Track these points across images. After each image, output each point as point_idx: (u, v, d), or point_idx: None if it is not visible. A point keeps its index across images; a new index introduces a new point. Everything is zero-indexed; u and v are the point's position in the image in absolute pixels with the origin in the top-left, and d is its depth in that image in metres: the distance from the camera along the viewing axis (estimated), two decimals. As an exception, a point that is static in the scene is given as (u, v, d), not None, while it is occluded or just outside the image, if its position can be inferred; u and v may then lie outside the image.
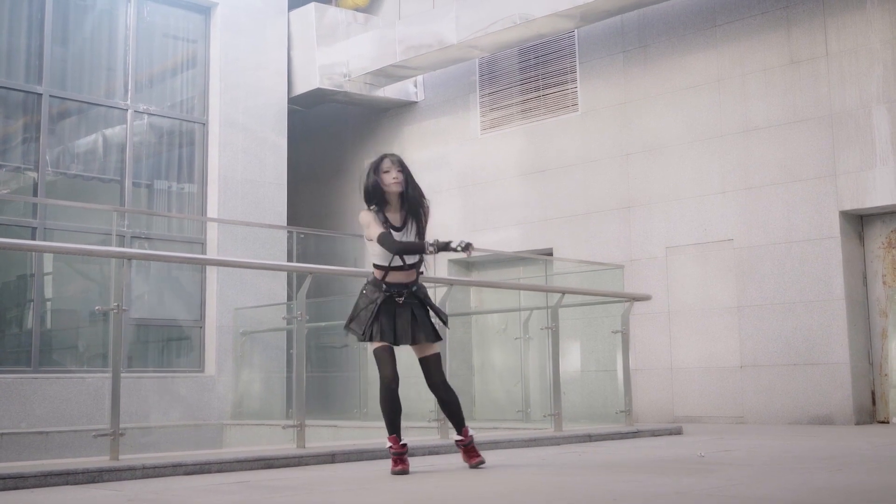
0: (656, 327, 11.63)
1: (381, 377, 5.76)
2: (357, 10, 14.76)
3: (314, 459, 6.40)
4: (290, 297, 12.78)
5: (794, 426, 10.14)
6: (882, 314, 10.46)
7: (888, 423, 10.27)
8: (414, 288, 5.83)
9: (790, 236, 10.69)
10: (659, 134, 11.92)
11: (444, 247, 5.70)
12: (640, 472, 5.62)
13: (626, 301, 9.58)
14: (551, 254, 12.68)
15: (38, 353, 11.25)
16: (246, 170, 13.17)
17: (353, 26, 14.32)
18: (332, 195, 15.58)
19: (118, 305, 6.16)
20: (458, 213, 13.69)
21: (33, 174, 11.66)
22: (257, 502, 4.59)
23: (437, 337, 5.86)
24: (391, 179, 5.73)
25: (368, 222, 5.74)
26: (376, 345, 5.75)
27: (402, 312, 5.76)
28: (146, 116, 12.67)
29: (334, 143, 15.81)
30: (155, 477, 5.63)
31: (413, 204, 5.81)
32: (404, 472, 5.60)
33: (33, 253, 11.28)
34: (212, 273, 12.64)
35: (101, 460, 5.87)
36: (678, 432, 9.27)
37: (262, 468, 6.10)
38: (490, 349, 13.23)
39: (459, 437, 5.92)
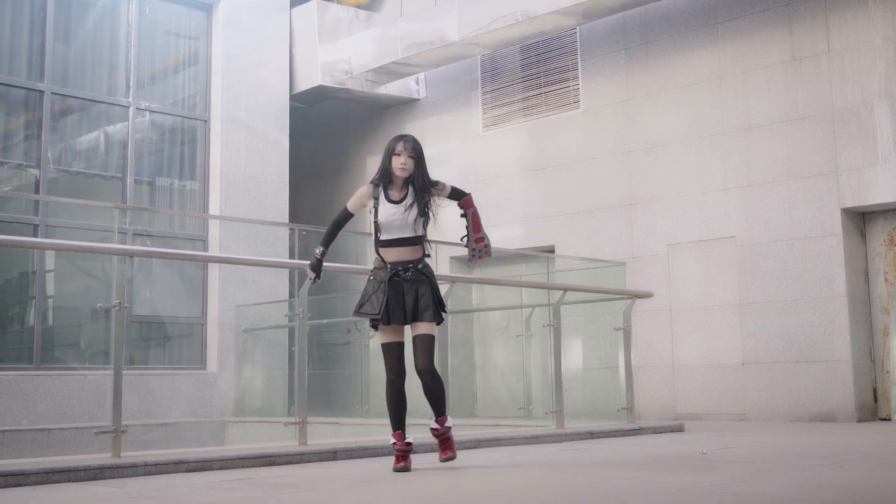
0: (658, 324, 11.63)
1: (386, 371, 5.71)
2: (359, 7, 14.75)
3: (316, 456, 6.40)
4: (291, 295, 12.78)
5: (796, 423, 10.14)
6: (884, 311, 10.46)
7: (890, 420, 10.27)
8: (420, 266, 5.74)
9: (792, 233, 10.69)
10: (661, 131, 11.91)
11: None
12: (642, 470, 5.62)
13: (627, 298, 9.58)
14: (553, 251, 12.68)
15: (40, 351, 11.26)
16: (248, 167, 13.17)
17: (355, 23, 14.31)
18: (334, 192, 15.57)
19: (120, 302, 6.16)
20: (459, 211, 13.65)
21: (35, 171, 11.66)
22: (259, 499, 4.59)
23: (439, 318, 5.72)
24: (398, 164, 5.75)
25: (354, 195, 5.86)
26: (385, 339, 5.71)
27: (409, 290, 5.67)
28: (148, 113, 12.67)
29: (336, 140, 15.81)
30: (157, 474, 5.63)
31: (420, 189, 5.77)
32: (406, 469, 5.57)
33: (35, 250, 11.29)
34: (214, 270, 12.65)
35: (102, 457, 5.87)
36: (680, 429, 9.27)
37: (264, 465, 6.10)
38: (492, 346, 13.24)
39: (435, 427, 5.75)
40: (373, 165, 15.08)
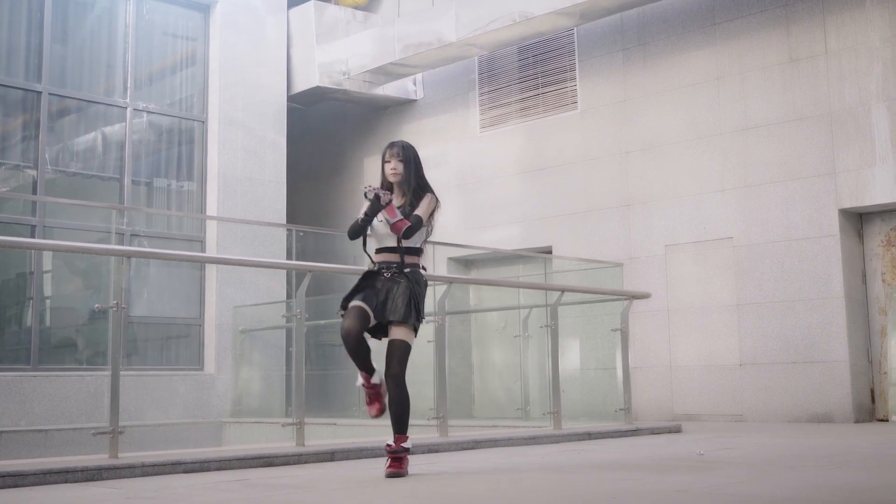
0: (655, 325, 11.63)
1: (341, 332, 5.46)
2: (356, 7, 14.75)
3: (313, 457, 6.40)
4: (289, 296, 12.78)
5: (794, 424, 10.15)
6: (881, 312, 10.47)
7: (887, 420, 10.27)
8: (406, 269, 5.58)
9: (789, 234, 10.69)
10: (658, 132, 11.91)
11: (374, 207, 5.51)
12: (639, 471, 5.62)
13: (625, 299, 9.58)
14: (551, 252, 12.68)
15: (38, 351, 11.25)
16: (245, 168, 13.17)
17: (353, 24, 14.31)
18: (332, 193, 15.58)
19: (117, 303, 6.16)
20: (457, 212, 13.69)
21: (33, 172, 11.66)
22: (257, 500, 4.59)
23: (408, 320, 5.45)
24: (389, 170, 5.70)
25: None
26: (353, 305, 5.50)
27: (385, 288, 5.51)
28: (145, 114, 12.67)
29: (333, 141, 15.81)
30: (154, 475, 5.63)
31: (413, 193, 5.67)
32: (381, 411, 5.53)
33: (32, 251, 11.28)
34: (211, 271, 12.65)
35: (100, 458, 5.86)
36: (677, 430, 9.28)
37: (261, 466, 6.10)
38: (489, 347, 13.24)
39: (390, 444, 5.45)
40: (370, 166, 15.09)
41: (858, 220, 10.65)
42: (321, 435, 9.83)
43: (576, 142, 12.70)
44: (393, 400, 5.51)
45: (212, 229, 12.74)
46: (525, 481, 5.16)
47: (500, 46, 13.02)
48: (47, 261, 11.63)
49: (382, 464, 5.53)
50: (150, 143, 12.74)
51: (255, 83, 13.48)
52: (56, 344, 11.78)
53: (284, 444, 7.05)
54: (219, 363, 12.49)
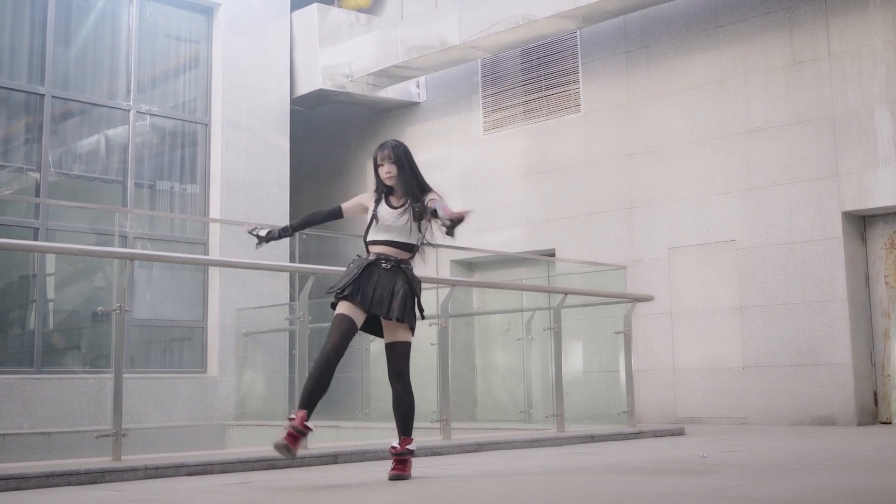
0: (659, 328, 11.62)
1: (325, 342, 5.26)
2: (359, 10, 14.76)
3: (317, 460, 6.39)
4: (292, 298, 12.78)
5: (797, 427, 10.14)
6: (885, 315, 10.46)
7: (890, 423, 10.26)
8: (403, 266, 5.48)
9: (792, 237, 10.69)
10: (661, 135, 11.91)
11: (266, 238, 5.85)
12: (642, 473, 5.61)
13: (628, 302, 9.58)
14: (554, 254, 12.68)
15: (41, 354, 11.26)
16: (248, 170, 13.17)
17: (356, 27, 14.32)
18: (335, 196, 15.57)
19: (120, 306, 6.16)
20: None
21: (36, 175, 11.67)
22: (260, 503, 4.59)
23: (412, 318, 5.42)
24: (384, 174, 5.57)
25: (354, 198, 5.84)
26: (341, 310, 5.33)
27: (384, 281, 5.39)
28: (148, 117, 12.68)
29: (337, 143, 15.82)
30: (157, 478, 5.63)
31: (411, 195, 5.55)
32: (289, 452, 5.04)
33: (35, 254, 11.29)
34: (214, 274, 12.65)
35: (103, 461, 5.87)
36: (680, 433, 9.27)
37: (264, 469, 6.10)
38: (492, 350, 13.23)
39: (395, 445, 5.43)
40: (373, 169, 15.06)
41: (861, 223, 10.64)
42: (324, 438, 9.82)
43: (579, 144, 12.69)
44: (400, 400, 5.44)
45: (215, 232, 12.75)
46: (528, 484, 5.15)
47: (503, 49, 13.03)
48: (50, 264, 11.63)
49: (386, 466, 5.53)
50: (153, 146, 12.75)
51: (259, 86, 13.49)
52: (59, 347, 11.79)
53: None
54: (222, 366, 12.49)
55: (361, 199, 5.77)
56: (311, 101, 14.37)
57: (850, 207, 10.36)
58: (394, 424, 5.51)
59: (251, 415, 12.43)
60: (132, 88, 12.53)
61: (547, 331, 9.33)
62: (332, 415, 11.99)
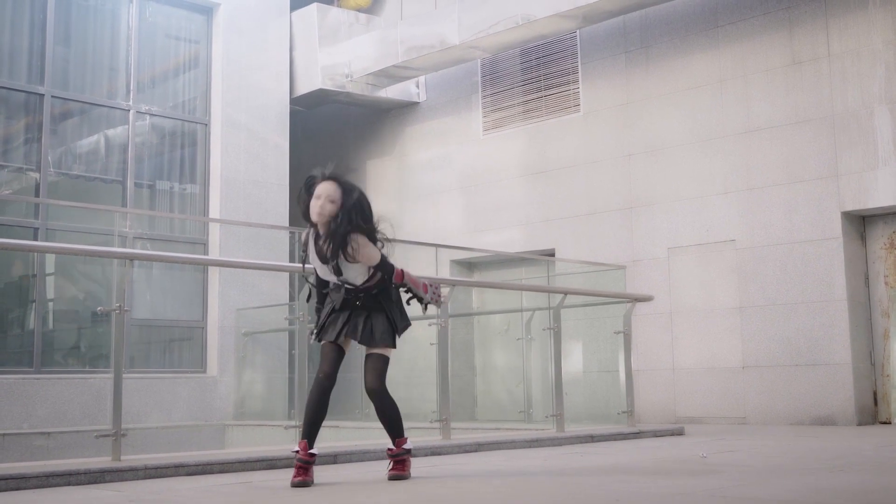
0: (658, 328, 11.63)
1: (317, 373, 5.33)
2: (359, 10, 14.76)
3: (316, 460, 6.37)
4: (292, 298, 12.78)
5: (796, 427, 10.14)
6: (884, 315, 10.46)
7: (890, 423, 10.26)
8: (375, 291, 5.30)
9: (792, 237, 10.69)
10: (661, 135, 11.91)
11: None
12: (642, 473, 5.62)
13: (628, 302, 9.58)
14: (553, 254, 12.68)
15: (41, 354, 11.26)
16: (248, 170, 13.17)
17: (355, 27, 14.32)
18: (334, 196, 15.55)
19: (120, 306, 6.16)
20: (460, 214, 13.69)
21: (35, 175, 11.67)
22: (259, 503, 4.59)
23: (384, 343, 5.30)
24: (315, 209, 5.14)
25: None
26: (325, 342, 5.33)
27: (356, 312, 5.27)
28: (148, 117, 12.67)
29: (336, 143, 15.82)
30: (157, 477, 5.63)
31: (332, 233, 5.14)
32: (305, 484, 5.09)
33: (35, 254, 11.28)
34: (214, 274, 12.65)
35: (103, 461, 5.86)
36: (680, 433, 9.27)
37: (264, 469, 6.10)
38: (492, 350, 13.24)
39: (391, 448, 5.42)
40: (373, 169, 15.09)
41: (861, 223, 10.64)
42: (324, 437, 9.81)
43: (578, 144, 12.69)
44: (381, 411, 5.46)
45: (214, 232, 12.75)
46: (527, 484, 5.15)
47: (502, 49, 13.03)
48: (50, 264, 11.63)
49: (385, 466, 5.53)
50: (152, 146, 12.75)
51: (258, 86, 13.49)
52: (59, 347, 11.79)
53: (287, 446, 7.04)
54: (221, 366, 12.49)
55: (303, 243, 5.42)
56: (310, 100, 14.37)
57: (850, 207, 10.36)
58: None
59: (251, 415, 12.43)
60: (132, 88, 12.53)
61: (546, 331, 9.34)
62: (332, 415, 11.88)
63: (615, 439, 8.53)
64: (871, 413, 10.29)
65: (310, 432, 5.29)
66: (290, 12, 14.06)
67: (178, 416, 11.93)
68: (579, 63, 12.84)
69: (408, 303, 5.49)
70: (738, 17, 11.37)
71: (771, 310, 10.76)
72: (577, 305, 10.55)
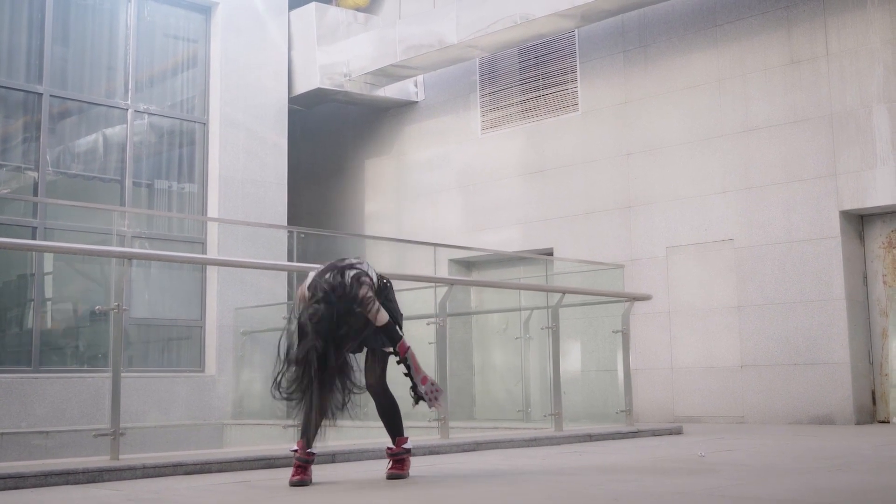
0: (657, 327, 11.63)
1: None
2: (357, 9, 14.76)
3: (315, 459, 6.38)
4: (290, 297, 12.77)
5: (795, 426, 10.14)
6: (882, 314, 10.46)
7: (888, 422, 10.27)
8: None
9: (790, 236, 10.70)
10: (659, 134, 11.92)
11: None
12: (640, 472, 5.62)
13: (626, 301, 9.58)
14: (552, 254, 12.68)
15: (39, 353, 11.25)
16: (246, 169, 13.17)
17: (354, 26, 14.32)
18: (333, 195, 15.58)
19: (118, 305, 6.16)
20: (458, 213, 13.69)
21: (34, 174, 11.66)
22: (258, 502, 4.59)
23: (385, 346, 5.36)
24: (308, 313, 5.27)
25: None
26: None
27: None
28: (146, 116, 12.67)
29: (335, 142, 15.82)
30: (155, 476, 5.63)
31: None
32: (304, 482, 5.11)
33: (34, 252, 11.28)
34: (212, 273, 12.64)
35: (101, 460, 5.86)
36: (678, 432, 9.27)
37: (262, 468, 6.10)
38: (490, 349, 13.23)
39: (390, 447, 5.46)
40: (371, 168, 15.09)
41: (859, 222, 10.65)
42: (322, 436, 9.81)
43: (577, 143, 12.70)
44: (382, 407, 5.48)
45: (213, 231, 12.74)
46: (526, 483, 5.15)
47: (500, 48, 13.02)
48: (48, 262, 11.63)
49: (384, 465, 5.53)
50: (151, 145, 12.74)
51: (256, 85, 13.48)
52: (57, 346, 11.78)
53: (286, 445, 7.04)
54: (220, 365, 12.49)
55: (300, 296, 5.46)
56: (309, 100, 14.36)
57: (848, 206, 10.37)
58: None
59: (249, 414, 12.42)
60: (130, 87, 12.52)
61: (545, 330, 9.34)
62: (331, 414, 11.98)
63: (613, 438, 8.54)
64: (869, 412, 10.29)
65: (307, 432, 5.29)
66: (289, 11, 14.05)
67: (176, 415, 11.93)
68: (577, 62, 12.84)
69: (409, 390, 5.38)
70: (737, 16, 11.38)
71: (769, 309, 10.77)
72: (576, 304, 10.55)
